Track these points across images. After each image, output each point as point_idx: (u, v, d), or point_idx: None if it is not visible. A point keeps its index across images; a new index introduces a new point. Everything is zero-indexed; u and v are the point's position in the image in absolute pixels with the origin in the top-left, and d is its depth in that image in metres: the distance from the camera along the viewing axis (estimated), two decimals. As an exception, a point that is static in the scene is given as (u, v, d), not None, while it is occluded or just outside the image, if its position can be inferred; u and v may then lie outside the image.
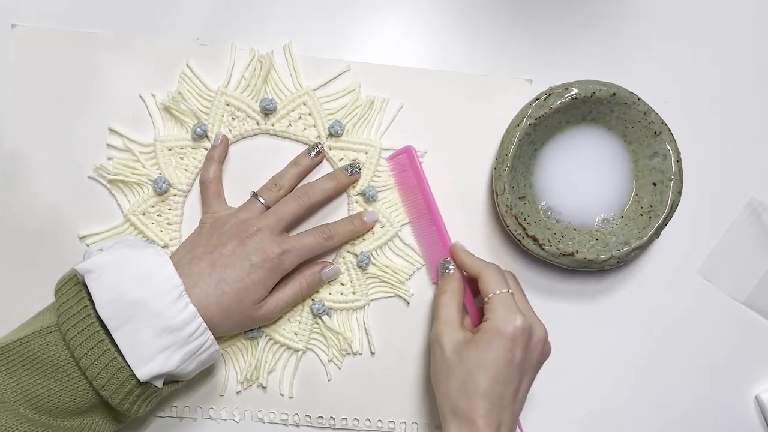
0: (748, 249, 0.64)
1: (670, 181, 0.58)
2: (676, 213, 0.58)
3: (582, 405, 0.63)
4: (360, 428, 0.62)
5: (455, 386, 0.50)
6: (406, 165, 0.61)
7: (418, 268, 0.62)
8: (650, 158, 0.59)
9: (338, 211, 0.62)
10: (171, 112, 0.61)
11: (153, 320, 0.49)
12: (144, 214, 0.61)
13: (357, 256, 0.61)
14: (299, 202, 0.58)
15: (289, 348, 0.61)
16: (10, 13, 0.61)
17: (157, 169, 0.60)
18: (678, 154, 0.58)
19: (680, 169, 0.58)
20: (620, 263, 0.59)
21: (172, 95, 0.60)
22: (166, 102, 0.60)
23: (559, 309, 0.63)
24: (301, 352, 0.61)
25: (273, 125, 0.61)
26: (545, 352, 0.54)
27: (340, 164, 0.61)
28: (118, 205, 0.61)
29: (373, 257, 0.62)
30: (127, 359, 0.48)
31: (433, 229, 0.60)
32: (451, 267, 0.58)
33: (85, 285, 0.50)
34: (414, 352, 0.62)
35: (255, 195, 0.59)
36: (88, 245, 0.61)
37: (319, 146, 0.60)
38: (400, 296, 0.62)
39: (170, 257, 0.53)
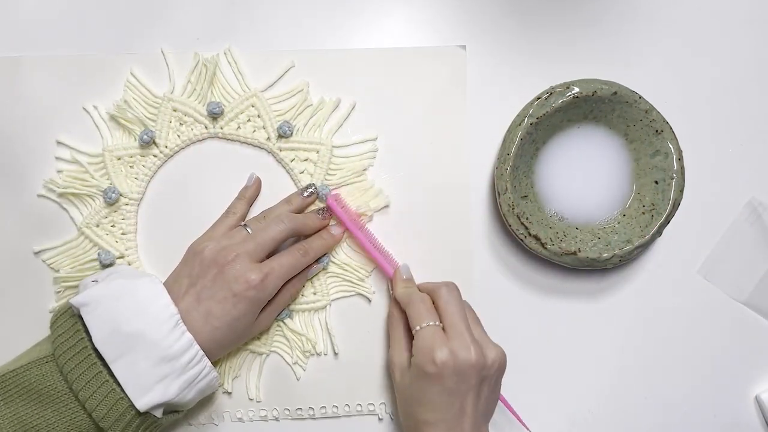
0: (748, 249, 0.63)
1: (672, 179, 0.58)
2: (676, 212, 0.59)
3: (583, 404, 0.63)
4: (339, 414, 0.61)
5: (404, 410, 0.54)
6: (335, 214, 0.60)
7: (375, 266, 0.62)
8: (652, 156, 0.59)
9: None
10: (118, 121, 0.60)
11: (151, 350, 0.49)
12: (98, 225, 0.60)
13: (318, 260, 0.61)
14: (280, 227, 0.56)
15: (252, 352, 0.61)
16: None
17: (108, 179, 0.60)
18: (680, 152, 0.58)
19: (682, 167, 0.58)
20: (623, 262, 0.58)
21: (117, 104, 0.59)
22: (112, 111, 0.59)
23: (561, 308, 0.63)
24: (264, 355, 0.61)
25: (222, 128, 0.61)
26: (487, 366, 0.52)
27: (291, 164, 0.61)
28: (71, 218, 0.60)
29: (333, 256, 0.61)
30: (125, 390, 0.48)
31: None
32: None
33: (81, 317, 0.50)
34: (377, 349, 0.62)
35: (244, 225, 0.57)
36: (44, 260, 0.60)
37: (312, 187, 0.60)
38: (361, 294, 0.62)
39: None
